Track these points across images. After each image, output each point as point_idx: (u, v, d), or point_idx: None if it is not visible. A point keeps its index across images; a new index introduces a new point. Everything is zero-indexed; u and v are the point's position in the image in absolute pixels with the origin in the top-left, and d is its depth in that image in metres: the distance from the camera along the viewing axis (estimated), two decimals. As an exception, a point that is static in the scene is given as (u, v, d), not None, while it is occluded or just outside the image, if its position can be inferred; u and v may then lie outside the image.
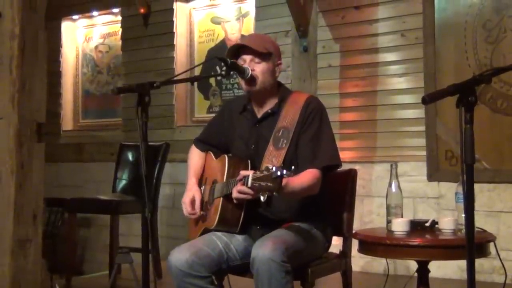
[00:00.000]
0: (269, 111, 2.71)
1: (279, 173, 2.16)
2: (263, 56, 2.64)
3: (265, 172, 2.21)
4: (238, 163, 2.64)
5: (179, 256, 2.49)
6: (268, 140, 2.64)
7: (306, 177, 2.53)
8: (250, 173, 2.31)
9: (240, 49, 2.67)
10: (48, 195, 4.74)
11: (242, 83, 2.67)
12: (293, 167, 2.22)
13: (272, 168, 2.18)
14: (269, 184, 2.18)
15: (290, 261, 2.38)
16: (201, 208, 2.72)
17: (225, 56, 2.67)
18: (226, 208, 2.57)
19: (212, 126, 2.93)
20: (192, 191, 2.76)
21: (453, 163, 4.56)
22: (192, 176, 2.83)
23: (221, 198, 2.57)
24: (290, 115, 2.64)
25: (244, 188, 2.36)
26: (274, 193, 2.22)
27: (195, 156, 2.91)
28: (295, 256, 2.45)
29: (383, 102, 4.93)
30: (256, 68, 2.63)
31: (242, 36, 5.81)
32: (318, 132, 2.62)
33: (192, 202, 2.72)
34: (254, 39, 2.73)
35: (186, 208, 2.73)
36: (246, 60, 2.65)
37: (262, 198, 2.31)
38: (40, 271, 2.95)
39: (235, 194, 2.43)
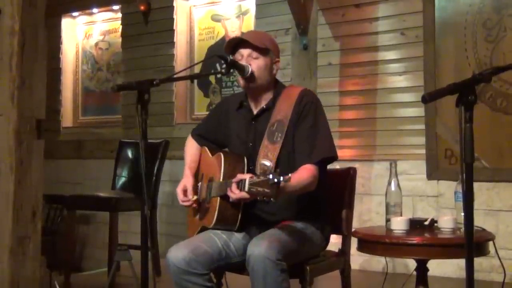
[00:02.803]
0: (264, 106, 2.71)
1: (276, 180, 2.15)
2: (260, 51, 2.63)
3: (262, 178, 2.20)
4: (234, 161, 2.64)
5: (177, 253, 2.50)
6: (263, 135, 2.64)
7: (303, 176, 2.52)
8: (246, 176, 2.30)
9: (238, 44, 2.67)
10: (48, 192, 4.75)
11: (240, 79, 2.67)
12: (290, 175, 2.20)
13: (269, 175, 2.17)
14: (266, 190, 2.18)
15: (286, 259, 2.38)
16: (194, 193, 2.74)
17: (223, 51, 2.68)
18: (223, 208, 2.57)
19: (209, 122, 2.93)
20: (184, 181, 2.77)
21: (452, 161, 4.56)
22: (187, 167, 2.84)
23: (218, 198, 2.57)
24: (284, 109, 2.64)
25: (242, 194, 2.35)
26: (272, 199, 2.21)
27: (192, 147, 2.91)
28: (291, 255, 2.45)
29: (382, 101, 4.93)
30: (253, 63, 2.62)
31: (242, 35, 5.81)
32: (314, 126, 2.60)
33: (184, 190, 2.73)
34: (252, 35, 2.74)
35: (179, 196, 2.74)
36: (243, 55, 2.64)
37: (259, 198, 2.30)
38: (39, 268, 2.95)
39: (231, 199, 2.44)
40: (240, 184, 2.35)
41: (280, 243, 2.40)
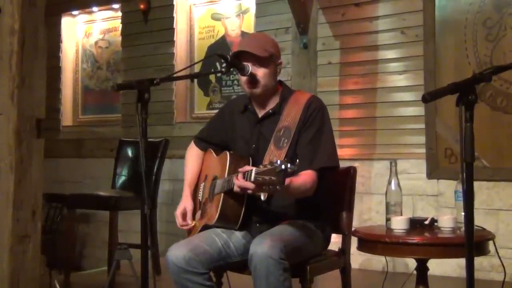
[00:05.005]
0: (270, 111, 2.70)
1: (283, 166, 2.12)
2: (264, 60, 2.62)
3: (269, 166, 2.18)
4: (240, 160, 2.63)
5: (177, 252, 2.50)
6: (269, 140, 2.63)
7: (305, 180, 2.52)
8: (253, 168, 2.29)
9: (240, 53, 2.64)
10: (48, 191, 4.75)
11: (244, 84, 2.66)
12: (297, 160, 2.19)
13: (276, 162, 2.15)
14: (272, 178, 2.15)
15: (288, 258, 2.37)
16: (193, 218, 2.76)
17: (223, 50, 2.67)
18: (226, 205, 2.56)
19: (213, 125, 2.92)
20: (183, 203, 2.78)
21: (452, 161, 4.56)
22: (187, 186, 2.84)
23: (222, 194, 2.57)
24: (291, 115, 2.63)
25: (246, 183, 2.31)
26: (278, 187, 2.17)
27: (193, 159, 2.90)
28: (293, 254, 2.45)
29: (382, 100, 4.93)
30: (258, 72, 2.62)
31: (242, 34, 5.80)
32: (318, 133, 2.60)
33: (184, 214, 2.75)
34: (254, 43, 2.67)
35: (177, 220, 2.76)
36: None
37: (262, 197, 2.29)
38: (39, 267, 2.95)
39: (236, 188, 2.39)
40: (247, 175, 2.32)
41: (283, 242, 2.39)
